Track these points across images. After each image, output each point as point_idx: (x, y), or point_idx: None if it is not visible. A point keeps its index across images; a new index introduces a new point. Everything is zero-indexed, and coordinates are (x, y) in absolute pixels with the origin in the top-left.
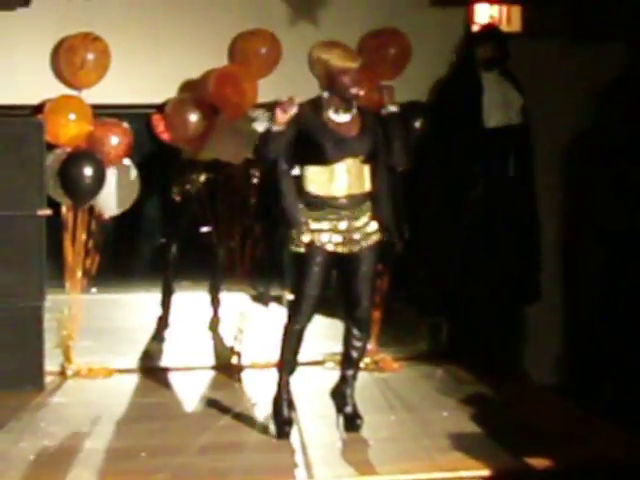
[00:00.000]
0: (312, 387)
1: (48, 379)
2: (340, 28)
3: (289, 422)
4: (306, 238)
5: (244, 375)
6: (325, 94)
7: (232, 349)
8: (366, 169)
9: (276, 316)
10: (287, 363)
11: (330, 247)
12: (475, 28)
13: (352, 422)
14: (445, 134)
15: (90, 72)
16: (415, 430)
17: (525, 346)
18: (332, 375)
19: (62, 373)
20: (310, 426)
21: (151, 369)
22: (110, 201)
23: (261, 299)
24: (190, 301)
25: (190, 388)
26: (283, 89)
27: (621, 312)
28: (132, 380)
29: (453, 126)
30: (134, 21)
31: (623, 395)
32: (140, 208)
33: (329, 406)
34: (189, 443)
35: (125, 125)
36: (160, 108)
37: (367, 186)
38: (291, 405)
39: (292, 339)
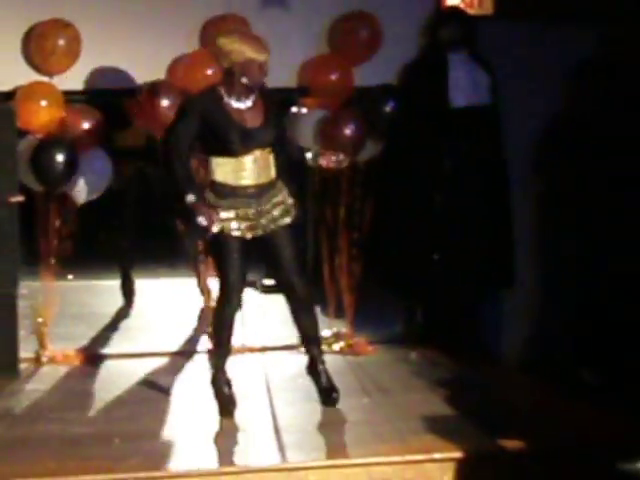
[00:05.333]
0: None
1: (23, 366)
2: (310, 12)
3: (232, 401)
4: (216, 227)
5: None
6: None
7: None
8: (272, 157)
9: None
10: (221, 347)
11: (239, 234)
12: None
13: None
14: (412, 116)
15: (61, 58)
16: (389, 413)
17: (500, 328)
18: None
19: (37, 360)
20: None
21: (124, 355)
22: (82, 187)
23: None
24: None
25: (174, 373)
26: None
27: (600, 295)
28: (107, 366)
29: (419, 107)
30: (105, 7)
31: (601, 377)
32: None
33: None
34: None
35: (96, 111)
36: (132, 94)
37: (273, 173)
38: (230, 385)
39: (224, 324)
